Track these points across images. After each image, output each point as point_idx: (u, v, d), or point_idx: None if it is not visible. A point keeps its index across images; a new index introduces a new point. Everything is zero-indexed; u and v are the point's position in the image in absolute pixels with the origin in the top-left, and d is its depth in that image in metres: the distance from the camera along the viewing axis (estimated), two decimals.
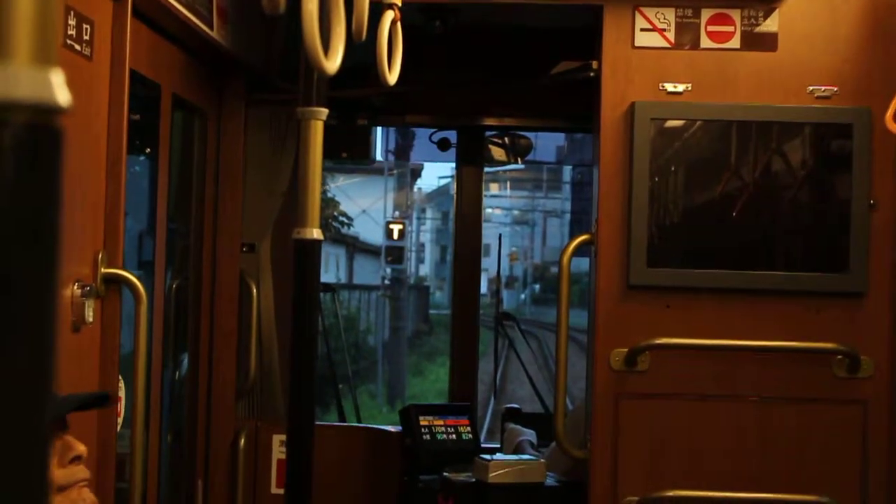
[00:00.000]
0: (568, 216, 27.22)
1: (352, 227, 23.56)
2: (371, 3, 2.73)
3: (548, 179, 35.51)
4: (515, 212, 40.37)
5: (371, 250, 27.72)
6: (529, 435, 4.71)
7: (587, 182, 4.24)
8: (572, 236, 4.37)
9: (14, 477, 0.79)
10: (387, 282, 24.45)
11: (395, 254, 23.46)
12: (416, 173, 27.83)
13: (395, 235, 23.17)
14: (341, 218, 20.54)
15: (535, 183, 36.59)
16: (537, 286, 40.72)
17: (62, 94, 0.76)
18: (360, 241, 28.55)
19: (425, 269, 42.91)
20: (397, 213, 26.93)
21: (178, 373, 4.42)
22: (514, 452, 4.55)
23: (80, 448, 2.21)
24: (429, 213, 40.54)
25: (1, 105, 0.74)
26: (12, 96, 0.74)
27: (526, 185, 37.22)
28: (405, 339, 23.53)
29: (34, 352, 0.77)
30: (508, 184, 36.28)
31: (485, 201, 5.92)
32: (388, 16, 2.88)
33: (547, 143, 12.11)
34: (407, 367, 23.41)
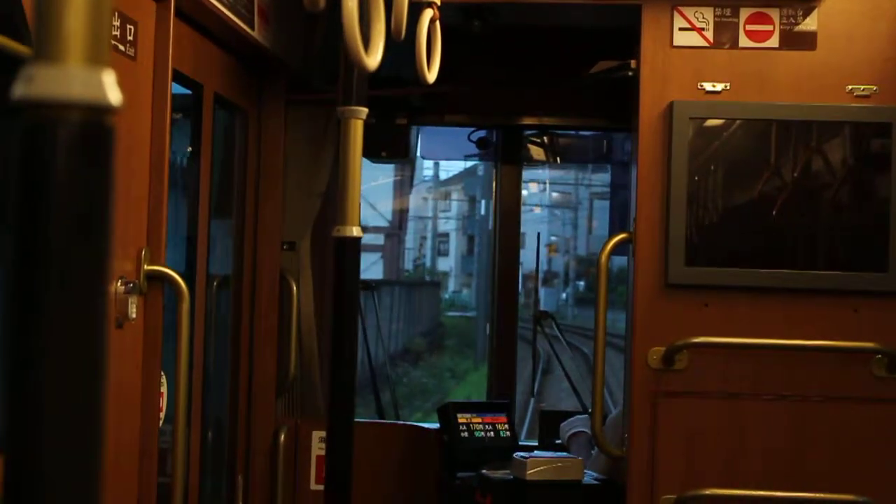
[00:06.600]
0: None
1: None
2: (410, 2, 2.75)
3: (594, 155, 31.82)
4: (555, 194, 33.92)
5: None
6: (581, 422, 4.73)
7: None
8: (611, 234, 4.37)
9: (71, 463, 0.82)
10: None
11: None
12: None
13: None
14: None
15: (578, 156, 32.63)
16: (581, 283, 34.24)
17: (114, 94, 0.80)
18: None
19: (449, 263, 36.40)
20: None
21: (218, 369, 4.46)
22: (568, 445, 4.62)
23: None
24: (454, 196, 34.30)
25: (56, 104, 0.77)
26: (67, 96, 0.77)
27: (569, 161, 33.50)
28: None
29: (88, 340, 0.80)
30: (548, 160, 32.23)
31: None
32: (427, 14, 2.90)
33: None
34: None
